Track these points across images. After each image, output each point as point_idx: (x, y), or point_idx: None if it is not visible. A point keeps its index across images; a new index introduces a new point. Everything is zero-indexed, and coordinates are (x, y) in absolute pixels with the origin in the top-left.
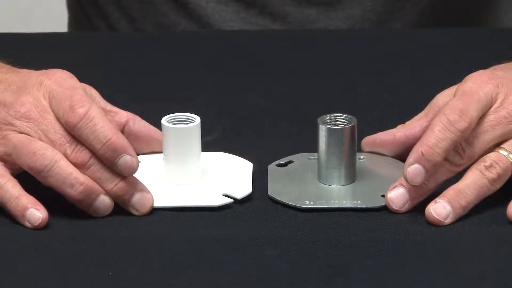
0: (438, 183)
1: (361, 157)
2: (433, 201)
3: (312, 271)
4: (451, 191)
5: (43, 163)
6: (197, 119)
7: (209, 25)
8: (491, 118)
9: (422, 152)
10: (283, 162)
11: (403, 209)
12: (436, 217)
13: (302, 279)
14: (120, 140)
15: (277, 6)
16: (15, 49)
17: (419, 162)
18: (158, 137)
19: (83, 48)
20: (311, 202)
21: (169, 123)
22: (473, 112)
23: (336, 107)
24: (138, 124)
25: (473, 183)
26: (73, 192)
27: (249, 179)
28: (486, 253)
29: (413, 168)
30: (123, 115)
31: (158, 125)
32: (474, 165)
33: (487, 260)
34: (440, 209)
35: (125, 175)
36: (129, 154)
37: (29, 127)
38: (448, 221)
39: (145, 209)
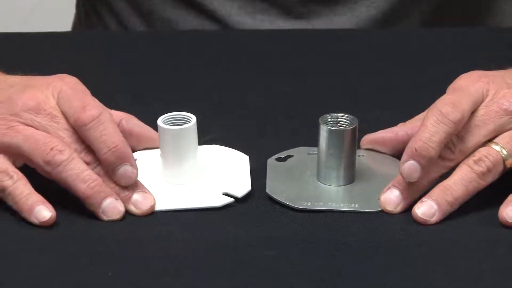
0: (431, 180)
1: (361, 154)
2: (420, 200)
3: (311, 272)
4: (437, 189)
5: (61, 158)
6: (193, 119)
7: (215, 19)
8: (482, 112)
9: (415, 148)
10: (282, 156)
11: (397, 210)
12: (422, 216)
13: (301, 280)
14: (126, 149)
15: (282, 1)
16: (15, 49)
17: (413, 158)
18: (150, 136)
19: (83, 48)
20: (309, 203)
21: (165, 123)
22: (465, 104)
23: (336, 107)
24: (131, 122)
25: (460, 178)
26: (85, 186)
27: (248, 175)
28: (485, 253)
29: (408, 165)
30: (118, 115)
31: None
32: (464, 161)
33: (486, 260)
34: (426, 208)
35: (122, 184)
36: (131, 165)
37: (38, 122)
38: (434, 219)
39: (146, 207)
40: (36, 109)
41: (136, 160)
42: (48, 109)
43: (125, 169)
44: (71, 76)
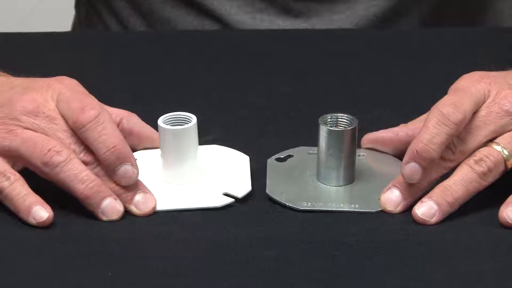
0: (431, 180)
1: (361, 153)
2: (420, 201)
3: (311, 272)
4: (437, 189)
5: (59, 159)
6: (194, 119)
7: (215, 19)
8: (483, 113)
9: (416, 150)
10: (282, 157)
11: (397, 210)
12: (422, 216)
13: (301, 280)
14: (126, 149)
15: (282, 0)
16: (15, 49)
17: (414, 160)
18: (150, 136)
19: (83, 48)
20: (309, 204)
21: (165, 123)
22: (467, 105)
23: (336, 107)
24: (132, 122)
25: (461, 179)
26: (83, 187)
27: (248, 175)
28: (484, 253)
29: (410, 167)
30: (119, 113)
31: (157, 124)
32: (465, 161)
33: (486, 260)
34: (426, 208)
35: (123, 184)
36: (131, 164)
37: (37, 124)
38: (434, 220)
39: (148, 208)
40: (35, 112)
41: (136, 160)
42: (46, 112)
43: (125, 169)
44: (70, 78)
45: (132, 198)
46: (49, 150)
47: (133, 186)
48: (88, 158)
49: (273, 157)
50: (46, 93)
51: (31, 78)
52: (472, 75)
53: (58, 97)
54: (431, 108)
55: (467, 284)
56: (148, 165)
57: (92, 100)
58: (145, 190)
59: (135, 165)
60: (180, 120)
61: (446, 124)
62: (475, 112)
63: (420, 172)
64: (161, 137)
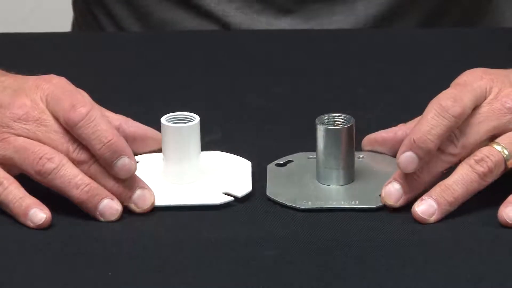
0: (432, 175)
1: (361, 156)
2: (420, 199)
3: (311, 272)
4: (437, 188)
5: (51, 166)
6: (197, 118)
7: (213, 20)
8: (484, 109)
9: (413, 140)
10: (282, 162)
11: (398, 204)
12: (421, 215)
13: (301, 279)
14: (121, 142)
15: (280, 1)
16: (15, 49)
17: (411, 149)
18: (154, 136)
19: (83, 48)
20: (309, 203)
21: (168, 122)
22: (467, 100)
23: (336, 107)
24: (132, 125)
25: (461, 178)
26: (78, 192)
27: (249, 178)
28: (485, 253)
29: (405, 156)
30: (115, 118)
31: (158, 125)
32: (465, 160)
33: (486, 260)
34: (425, 207)
35: (122, 177)
36: (128, 157)
37: (28, 129)
38: (434, 218)
39: (146, 205)
40: (25, 118)
41: (138, 162)
42: (36, 115)
43: (122, 161)
44: (59, 77)
45: (131, 197)
46: (40, 158)
47: (131, 184)
48: (83, 156)
49: (273, 163)
50: (35, 94)
51: (20, 78)
52: (475, 71)
53: (47, 97)
54: (431, 101)
55: (467, 284)
56: (149, 167)
57: (82, 97)
58: (144, 186)
59: (132, 157)
60: (183, 119)
61: (444, 116)
62: (476, 108)
63: (416, 161)
64: (163, 135)
